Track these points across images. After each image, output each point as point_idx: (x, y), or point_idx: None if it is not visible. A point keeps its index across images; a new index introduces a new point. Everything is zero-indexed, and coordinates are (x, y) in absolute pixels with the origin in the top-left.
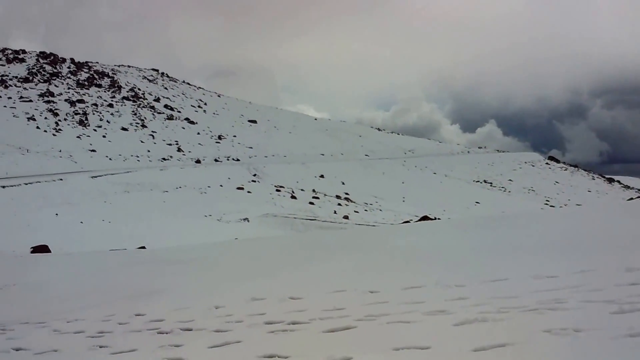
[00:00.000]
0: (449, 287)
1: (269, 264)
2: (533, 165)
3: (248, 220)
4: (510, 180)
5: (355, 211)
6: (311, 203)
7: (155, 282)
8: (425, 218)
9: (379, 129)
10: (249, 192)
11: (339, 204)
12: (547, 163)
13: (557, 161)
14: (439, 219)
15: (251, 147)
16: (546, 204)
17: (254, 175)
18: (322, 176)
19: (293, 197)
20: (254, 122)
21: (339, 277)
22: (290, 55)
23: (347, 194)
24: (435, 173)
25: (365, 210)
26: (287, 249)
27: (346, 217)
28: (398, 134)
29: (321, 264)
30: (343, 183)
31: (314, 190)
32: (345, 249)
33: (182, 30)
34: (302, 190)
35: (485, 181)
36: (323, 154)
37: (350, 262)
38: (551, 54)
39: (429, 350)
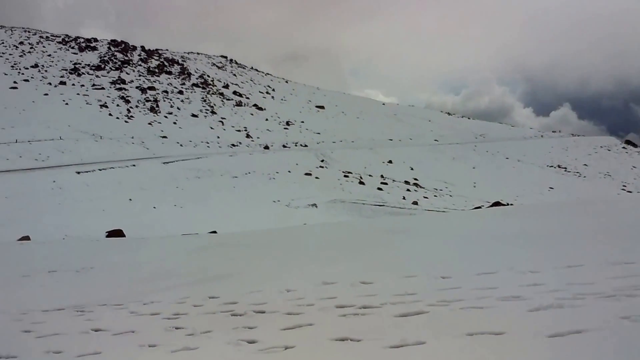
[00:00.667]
0: (523, 273)
1: (338, 249)
2: (609, 150)
3: (316, 206)
4: (585, 165)
5: (424, 197)
6: (379, 189)
7: (227, 265)
8: (497, 204)
9: (448, 113)
10: (316, 177)
11: (408, 190)
12: (624, 147)
13: (635, 145)
14: (511, 204)
15: (319, 133)
16: (623, 189)
17: (322, 161)
18: (390, 161)
19: (361, 182)
20: (322, 107)
21: (409, 263)
22: (358, 39)
23: (416, 179)
24: (507, 158)
25: (435, 196)
26: (356, 235)
27: (415, 203)
28: (469, 118)
29: (391, 249)
30: (412, 168)
31: (382, 176)
32: (415, 235)
33: (251, 16)
34: (370, 175)
35: (559, 166)
36: (391, 139)
37: (421, 247)
38: (632, 31)
39: (503, 335)
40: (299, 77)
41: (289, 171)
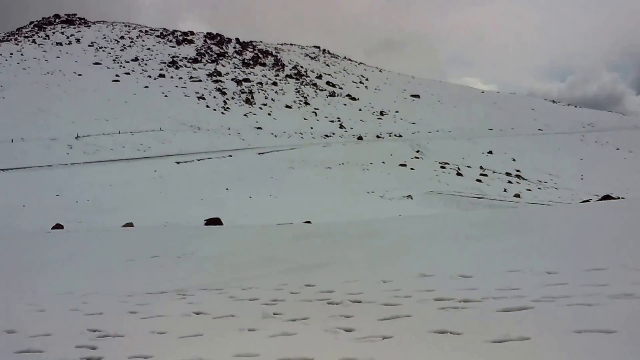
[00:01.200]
0: (637, 270)
1: (435, 241)
2: None
3: (411, 198)
4: None
5: (527, 189)
6: (478, 180)
7: (323, 255)
8: (607, 197)
9: (553, 101)
10: (412, 168)
11: (509, 182)
12: None
13: None
14: (622, 198)
15: (414, 123)
16: None
17: (417, 151)
18: (490, 152)
19: (459, 174)
20: (417, 96)
21: (512, 257)
22: (456, 25)
23: (518, 171)
24: (618, 149)
25: (539, 188)
26: (454, 227)
27: (517, 196)
28: (575, 106)
29: (492, 243)
30: (514, 159)
31: (481, 167)
32: (518, 229)
33: (345, 3)
34: (468, 167)
35: None
36: (491, 129)
37: (524, 241)
38: None
39: (614, 334)
40: (393, 66)
41: (383, 162)
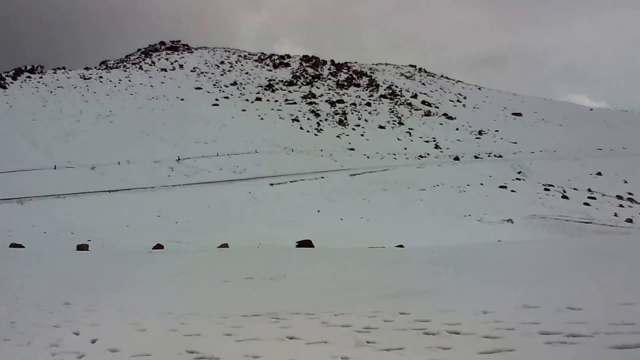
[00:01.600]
0: None
1: (539, 270)
2: None
3: (512, 222)
4: None
5: None
6: (586, 204)
7: (417, 281)
8: None
9: None
10: (512, 191)
11: (621, 206)
12: None
13: None
14: None
15: (515, 142)
16: None
17: (519, 172)
18: (599, 173)
19: (564, 197)
20: (519, 114)
21: (625, 289)
22: (562, 39)
23: (630, 194)
24: None
25: None
26: (559, 254)
27: (629, 221)
28: None
29: (602, 272)
30: (625, 181)
31: (589, 190)
32: (631, 257)
33: (442, 21)
34: (574, 189)
35: None
36: (600, 149)
37: (639, 271)
38: None
39: None
40: (493, 83)
41: (482, 184)
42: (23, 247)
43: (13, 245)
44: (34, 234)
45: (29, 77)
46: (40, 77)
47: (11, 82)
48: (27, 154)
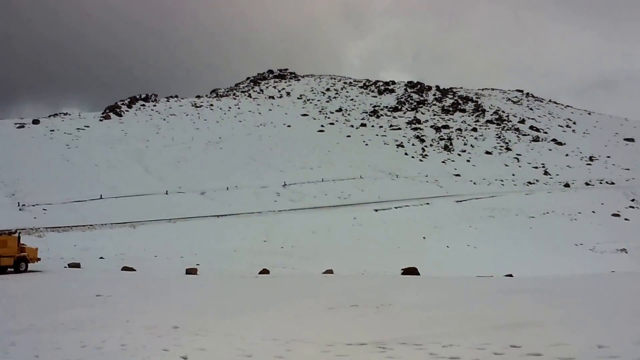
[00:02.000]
0: None
1: None
2: None
3: (626, 252)
4: None
5: None
6: None
7: (528, 312)
8: None
9: None
10: (626, 219)
11: None
12: None
13: None
14: None
15: (628, 169)
16: None
17: (632, 200)
18: None
19: None
20: (631, 140)
21: None
22: None
23: None
24: None
25: None
26: None
27: None
28: None
29: None
30: None
31: None
32: None
33: (551, 44)
34: None
35: None
36: None
37: None
38: None
39: None
40: (603, 107)
41: (593, 211)
42: (134, 270)
43: (125, 269)
44: (145, 257)
45: (143, 105)
46: (154, 105)
47: (126, 110)
48: (140, 179)
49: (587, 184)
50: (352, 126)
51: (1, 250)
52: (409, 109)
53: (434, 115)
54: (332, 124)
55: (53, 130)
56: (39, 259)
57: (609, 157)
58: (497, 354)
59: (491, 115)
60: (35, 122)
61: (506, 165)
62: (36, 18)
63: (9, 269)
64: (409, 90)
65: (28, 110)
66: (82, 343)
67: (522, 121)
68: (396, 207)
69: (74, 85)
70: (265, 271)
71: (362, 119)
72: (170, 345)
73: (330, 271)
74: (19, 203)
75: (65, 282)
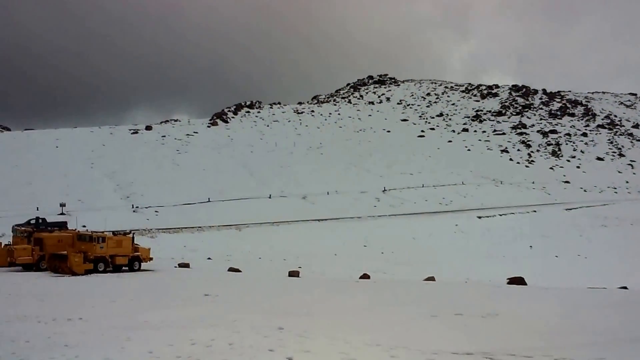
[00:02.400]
0: None
1: None
2: None
3: None
4: None
5: None
6: None
7: None
8: None
9: None
10: None
11: None
12: None
13: None
14: None
15: None
16: None
17: None
18: None
19: None
20: None
21: None
22: None
23: None
24: None
25: None
26: None
27: None
28: None
29: None
30: None
31: None
32: None
33: None
34: None
35: None
36: None
37: None
38: None
39: None
40: None
41: None
42: (240, 271)
43: (231, 269)
44: (250, 259)
45: (248, 112)
46: (258, 112)
47: (232, 117)
48: (245, 183)
49: None
50: (453, 131)
51: (117, 250)
52: (514, 113)
53: (541, 119)
54: (432, 129)
55: (164, 136)
56: (151, 259)
57: None
58: None
59: (602, 119)
60: (148, 128)
61: (619, 172)
62: (149, 27)
63: (123, 268)
64: (513, 94)
65: (141, 117)
66: (192, 340)
67: (636, 126)
68: (500, 215)
69: (184, 92)
70: (366, 276)
71: (464, 123)
72: (276, 346)
73: (431, 278)
74: (133, 205)
75: (175, 281)
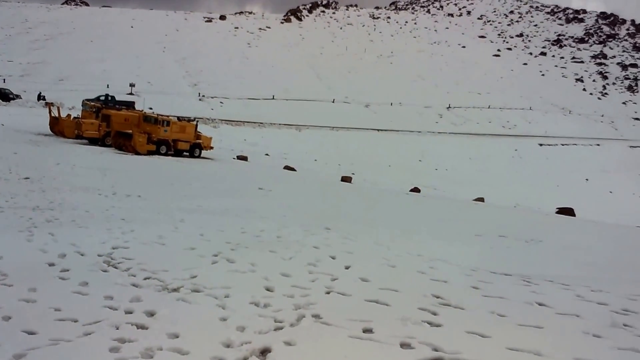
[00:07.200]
0: None
1: None
2: None
3: None
4: None
5: None
6: None
7: None
8: None
9: None
10: None
11: None
12: None
13: None
14: None
15: None
16: None
17: None
18: None
19: None
20: None
21: None
22: None
23: None
24: None
25: None
26: None
27: None
28: None
29: None
30: None
31: None
32: None
33: None
34: None
35: None
36: None
37: None
38: None
39: None
40: None
41: None
42: (295, 170)
43: (287, 168)
44: (305, 159)
45: (323, 11)
46: (333, 13)
47: (307, 15)
48: (311, 84)
49: None
50: (530, 54)
51: (180, 135)
52: (596, 42)
53: (623, 51)
54: (509, 49)
55: (237, 28)
56: (212, 148)
57: None
58: None
59: None
60: (222, 17)
61: None
62: None
63: (184, 153)
64: (600, 21)
65: (215, 5)
66: (242, 229)
67: None
68: (563, 144)
69: None
70: (416, 189)
71: (543, 47)
72: (321, 245)
73: (481, 199)
74: (199, 93)
75: (232, 172)
